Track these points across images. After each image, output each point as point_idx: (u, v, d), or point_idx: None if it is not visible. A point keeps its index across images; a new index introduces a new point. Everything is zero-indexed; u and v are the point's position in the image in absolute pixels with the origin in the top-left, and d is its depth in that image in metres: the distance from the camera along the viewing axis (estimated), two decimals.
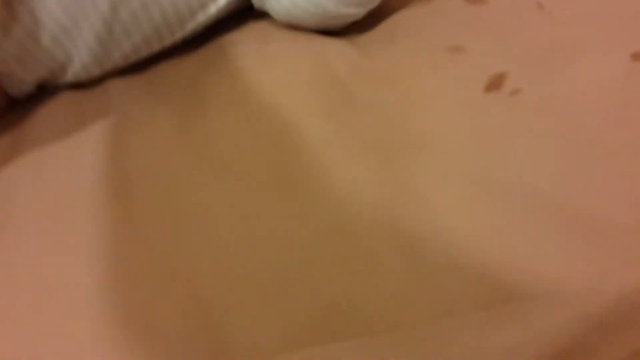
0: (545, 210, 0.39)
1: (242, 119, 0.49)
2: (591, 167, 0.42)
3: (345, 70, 0.52)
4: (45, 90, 0.53)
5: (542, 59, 0.49)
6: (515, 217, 0.39)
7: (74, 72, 0.52)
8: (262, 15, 0.57)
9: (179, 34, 0.53)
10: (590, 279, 0.35)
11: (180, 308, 0.33)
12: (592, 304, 0.31)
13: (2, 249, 0.40)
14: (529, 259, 0.36)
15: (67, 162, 0.45)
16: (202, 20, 0.54)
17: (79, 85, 0.53)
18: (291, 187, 0.43)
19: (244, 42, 0.55)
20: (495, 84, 0.48)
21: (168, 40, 0.54)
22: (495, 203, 0.40)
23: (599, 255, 0.36)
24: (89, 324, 0.33)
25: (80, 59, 0.51)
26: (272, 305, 0.33)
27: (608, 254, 0.36)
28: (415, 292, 0.34)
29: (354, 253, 0.37)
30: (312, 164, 0.45)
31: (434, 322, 0.31)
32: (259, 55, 0.54)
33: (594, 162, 0.42)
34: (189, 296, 0.34)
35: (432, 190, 0.42)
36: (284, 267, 0.36)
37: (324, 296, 0.33)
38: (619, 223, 0.36)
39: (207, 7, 0.53)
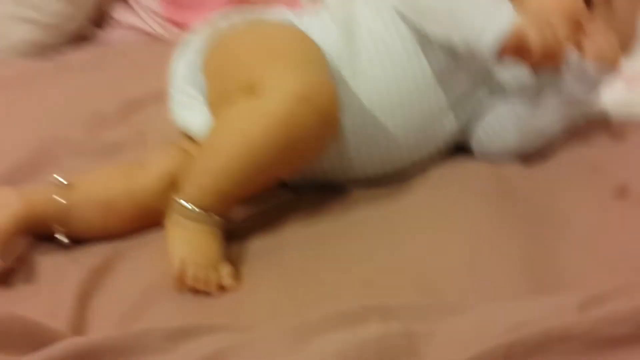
0: None
1: (438, 221, 0.72)
2: None
3: (515, 178, 0.76)
4: None
5: None
6: None
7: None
8: None
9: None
10: None
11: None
12: None
13: None
14: None
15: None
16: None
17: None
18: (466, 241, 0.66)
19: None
20: (620, 192, 0.69)
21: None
22: (620, 273, 0.59)
23: None
24: None
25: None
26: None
27: None
28: None
29: None
30: (480, 237, 0.67)
31: None
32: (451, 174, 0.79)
33: None
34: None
35: (568, 260, 0.62)
36: None
37: None
38: None
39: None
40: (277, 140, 0.64)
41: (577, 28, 0.75)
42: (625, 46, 0.91)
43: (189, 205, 0.65)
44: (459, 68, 0.77)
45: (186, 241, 0.65)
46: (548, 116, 0.76)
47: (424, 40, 0.76)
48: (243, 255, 0.68)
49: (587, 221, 0.66)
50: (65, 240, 0.70)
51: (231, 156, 0.65)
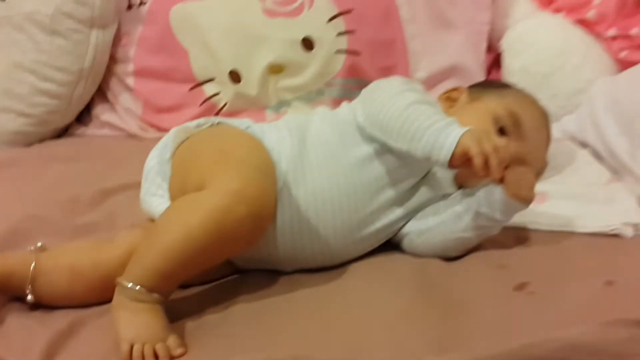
0: None
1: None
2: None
3: (435, 272, 0.87)
4: None
5: (549, 282, 0.82)
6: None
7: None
8: None
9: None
10: None
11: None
12: None
13: None
14: None
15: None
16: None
17: None
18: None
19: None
20: (519, 287, 0.81)
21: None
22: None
23: None
24: None
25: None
26: None
27: None
28: None
29: None
30: (399, 315, 0.78)
31: None
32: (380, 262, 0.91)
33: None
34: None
35: (471, 337, 0.72)
36: None
37: None
38: None
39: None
40: (212, 229, 0.74)
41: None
42: (537, 175, 1.06)
43: (132, 285, 0.73)
44: (404, 175, 0.90)
45: (131, 321, 0.72)
46: (469, 230, 0.88)
47: (376, 150, 0.89)
48: (192, 328, 0.77)
49: (490, 307, 0.77)
50: (31, 297, 0.79)
51: (171, 240, 0.74)
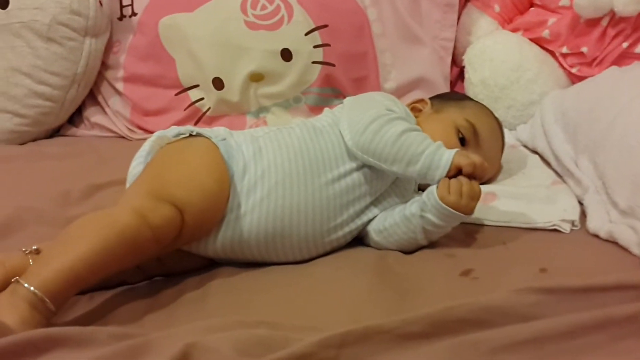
0: None
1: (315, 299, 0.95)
2: None
3: (393, 262, 0.98)
4: None
5: (492, 269, 0.93)
6: None
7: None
8: None
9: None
10: None
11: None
12: None
13: None
14: None
15: None
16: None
17: None
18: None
19: None
20: (465, 273, 0.92)
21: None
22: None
23: None
24: None
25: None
26: None
27: None
28: None
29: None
30: (359, 295, 0.88)
31: None
32: (346, 254, 1.01)
33: None
34: None
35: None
36: None
37: None
38: None
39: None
40: (115, 238, 0.80)
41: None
42: (491, 179, 1.18)
43: (32, 289, 0.73)
44: (375, 186, 1.00)
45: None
46: (418, 233, 0.97)
47: (357, 165, 0.98)
48: (177, 302, 0.87)
49: (438, 289, 0.87)
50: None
51: (82, 244, 0.78)
